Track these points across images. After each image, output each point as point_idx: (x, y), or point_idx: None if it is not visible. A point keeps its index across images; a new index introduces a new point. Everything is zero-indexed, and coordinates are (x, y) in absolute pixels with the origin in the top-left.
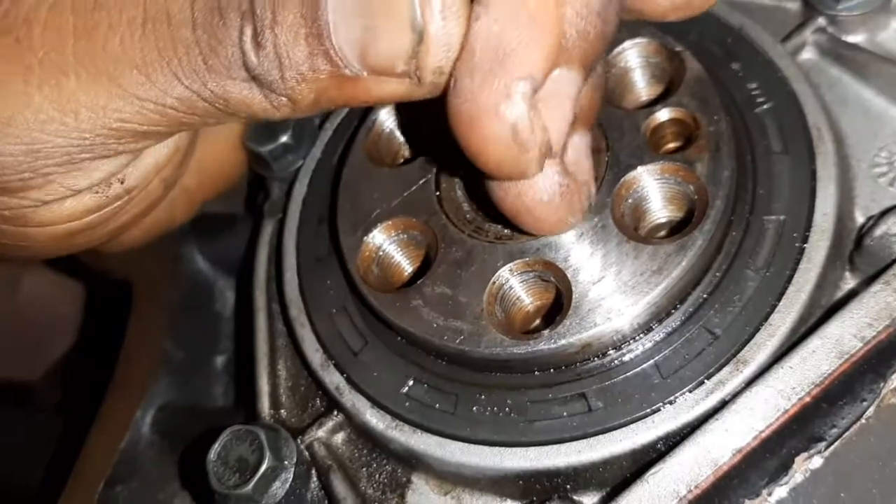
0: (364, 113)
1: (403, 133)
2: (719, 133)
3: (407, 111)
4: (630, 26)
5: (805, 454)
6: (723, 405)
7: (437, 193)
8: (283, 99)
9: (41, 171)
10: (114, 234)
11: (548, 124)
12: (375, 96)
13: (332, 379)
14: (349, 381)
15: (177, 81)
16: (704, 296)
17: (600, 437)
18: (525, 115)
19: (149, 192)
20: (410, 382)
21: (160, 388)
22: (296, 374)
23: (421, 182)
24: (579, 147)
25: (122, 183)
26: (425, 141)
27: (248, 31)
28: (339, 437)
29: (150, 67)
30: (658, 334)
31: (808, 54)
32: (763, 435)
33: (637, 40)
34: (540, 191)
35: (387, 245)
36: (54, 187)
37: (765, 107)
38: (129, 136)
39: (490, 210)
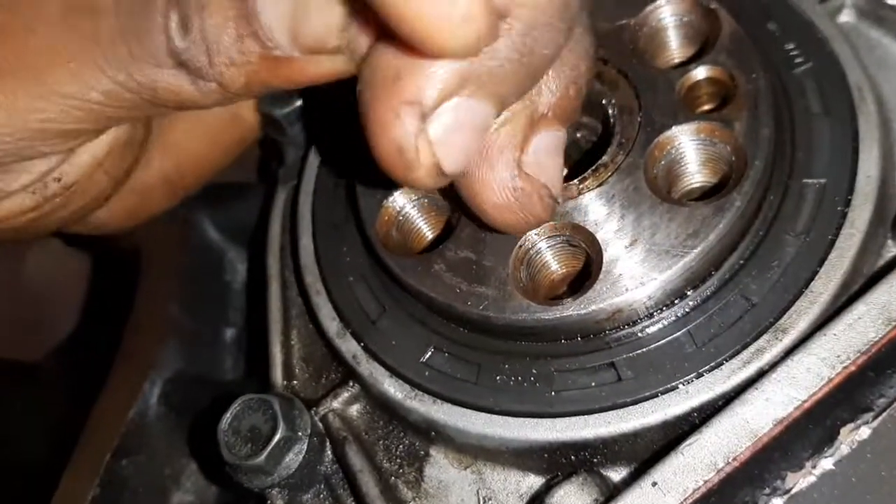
0: None
1: None
2: (758, 91)
3: None
4: None
5: (851, 425)
6: (761, 375)
7: None
8: (213, 85)
9: None
10: (66, 223)
11: (440, 151)
12: (311, 76)
13: (349, 347)
14: (366, 349)
15: (101, 74)
16: (741, 261)
17: (631, 408)
18: (408, 139)
19: (93, 183)
20: (431, 351)
21: (169, 357)
22: (310, 344)
23: None
24: (543, 148)
25: (58, 181)
26: None
27: (174, 16)
28: (355, 409)
29: (73, 62)
30: (692, 301)
31: (846, 17)
32: (806, 405)
33: None
34: (492, 193)
35: (408, 208)
36: None
37: (803, 68)
38: (55, 136)
39: None
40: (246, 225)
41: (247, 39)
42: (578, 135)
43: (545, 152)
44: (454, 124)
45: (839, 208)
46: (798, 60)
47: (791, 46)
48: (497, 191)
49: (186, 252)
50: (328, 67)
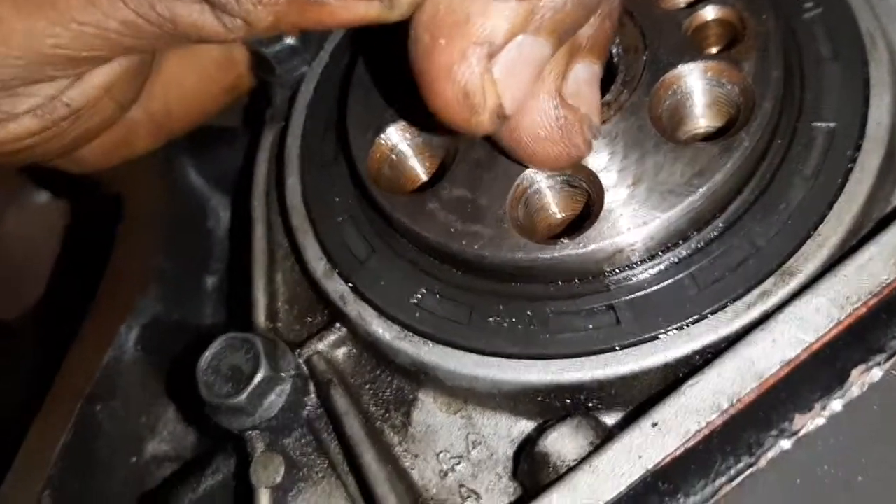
0: None
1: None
2: (768, 32)
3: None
4: None
5: (863, 366)
6: (767, 317)
7: None
8: (239, 21)
9: None
10: (66, 149)
11: (503, 90)
12: (342, 20)
13: (336, 288)
14: (355, 290)
15: (121, 3)
16: (747, 204)
17: (630, 350)
18: (476, 81)
19: (99, 110)
20: (422, 292)
21: (148, 302)
22: (295, 287)
23: None
24: (582, 78)
25: (67, 106)
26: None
27: None
28: (341, 352)
29: None
30: (695, 243)
31: None
32: (814, 347)
33: None
34: (535, 125)
35: (401, 146)
36: None
37: (813, 13)
38: (66, 62)
39: None
40: (230, 171)
41: None
42: None
43: (585, 82)
44: (517, 63)
45: (849, 153)
46: (808, 5)
47: None
48: (541, 122)
49: (168, 198)
50: (362, 13)
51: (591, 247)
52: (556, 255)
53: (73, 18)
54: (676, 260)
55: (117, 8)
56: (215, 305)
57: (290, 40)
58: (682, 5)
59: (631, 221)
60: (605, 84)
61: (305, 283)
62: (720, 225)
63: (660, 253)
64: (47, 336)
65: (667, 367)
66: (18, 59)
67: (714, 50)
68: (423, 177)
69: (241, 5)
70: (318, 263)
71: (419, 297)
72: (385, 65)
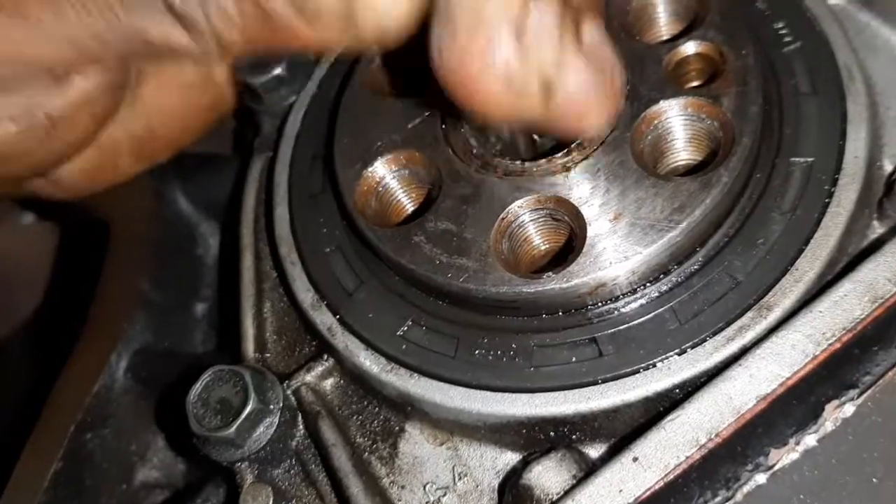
0: None
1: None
2: (747, 67)
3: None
4: None
5: (836, 402)
6: (745, 352)
7: (443, 127)
8: (209, 40)
9: None
10: (42, 165)
11: (541, 59)
12: (311, 42)
13: (324, 320)
14: (342, 322)
15: (87, 16)
16: (727, 238)
17: (612, 383)
18: (515, 62)
19: (76, 123)
20: (408, 324)
21: (137, 330)
22: (283, 317)
23: (426, 115)
24: (594, 33)
25: (45, 114)
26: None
27: None
28: (329, 383)
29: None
30: (676, 277)
31: None
32: (790, 382)
33: None
34: (572, 91)
35: (388, 179)
36: None
37: (792, 46)
38: (39, 70)
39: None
40: (219, 198)
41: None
42: None
43: (599, 37)
44: (542, 32)
45: (826, 187)
46: (787, 39)
47: (780, 25)
48: (577, 87)
49: (157, 225)
50: (330, 38)
51: (574, 281)
52: (539, 289)
53: (41, 29)
54: (657, 294)
55: (84, 20)
56: (206, 331)
57: (277, 70)
58: (664, 38)
59: (613, 256)
60: None
61: (294, 314)
62: (700, 259)
63: (641, 287)
64: (36, 354)
65: (648, 401)
66: None
67: (696, 83)
68: (410, 208)
69: (210, 23)
70: (306, 295)
71: (406, 328)
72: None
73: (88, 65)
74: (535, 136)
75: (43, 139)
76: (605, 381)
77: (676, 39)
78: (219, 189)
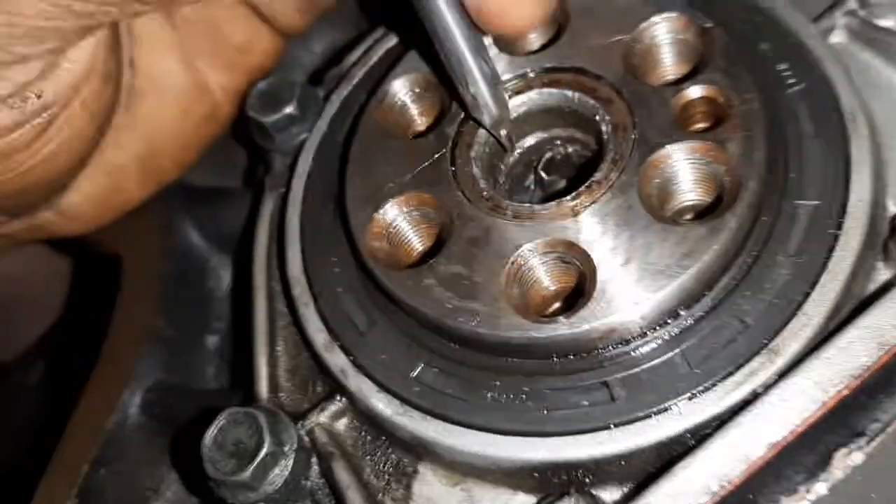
0: (374, 84)
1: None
2: (752, 112)
3: None
4: (657, 0)
5: (845, 450)
6: (755, 397)
7: (453, 169)
8: None
9: None
10: (46, 167)
11: None
12: None
13: (337, 361)
14: (355, 363)
15: None
16: (734, 282)
17: (624, 427)
18: None
19: (71, 118)
20: (420, 366)
21: (149, 366)
22: (296, 357)
23: (435, 157)
24: None
25: (38, 98)
26: None
27: None
28: (342, 423)
29: None
30: (685, 321)
31: (838, 37)
32: (799, 429)
33: (665, 15)
34: None
35: (398, 221)
36: None
37: (796, 88)
38: (29, 33)
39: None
40: (230, 231)
41: None
42: (571, 150)
43: None
44: None
45: (831, 231)
46: (791, 81)
47: (784, 67)
48: None
49: (168, 258)
50: None
51: (585, 326)
52: (550, 334)
53: None
54: (668, 337)
55: None
56: (218, 365)
57: (288, 109)
58: (671, 80)
59: (623, 301)
60: (596, 161)
61: (306, 353)
62: (709, 303)
63: (652, 330)
64: (48, 382)
65: (660, 446)
66: None
67: (702, 125)
68: (420, 248)
69: None
70: (318, 335)
71: (418, 371)
72: None
73: (76, 24)
74: (544, 176)
75: (42, 129)
76: (617, 425)
77: (682, 82)
78: (230, 222)
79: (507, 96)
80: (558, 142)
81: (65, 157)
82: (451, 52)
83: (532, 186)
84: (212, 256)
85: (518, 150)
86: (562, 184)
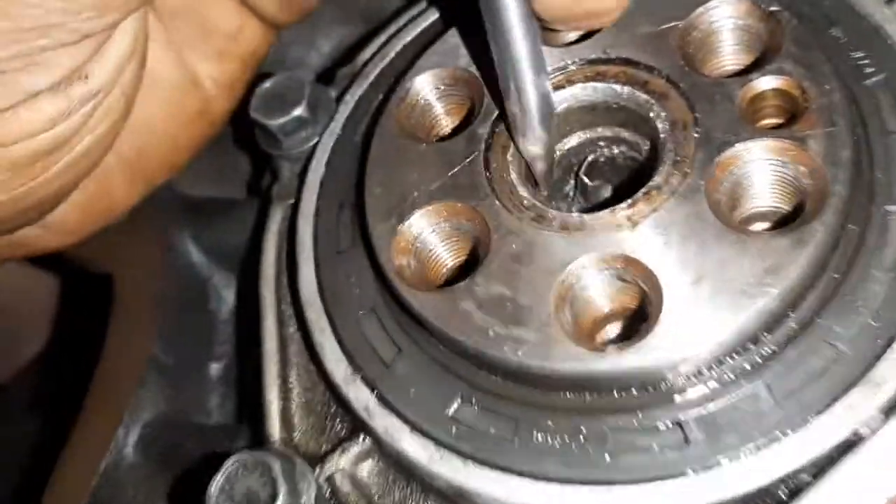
0: (394, 81)
1: None
2: (833, 105)
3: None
4: None
5: None
6: (858, 438)
7: (488, 174)
8: None
9: None
10: (75, 169)
11: None
12: None
13: (360, 396)
14: (381, 398)
15: None
16: (822, 302)
17: (703, 475)
18: None
19: (111, 106)
20: (458, 402)
21: (146, 399)
22: (311, 389)
23: (467, 161)
24: None
25: (85, 79)
26: None
27: None
28: (367, 468)
29: None
30: (768, 348)
31: None
32: None
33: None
34: None
35: (427, 234)
36: (9, 89)
37: (875, 79)
38: (95, 5)
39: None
40: (233, 246)
41: None
42: (617, 151)
43: None
44: None
45: None
46: (869, 70)
47: (860, 55)
48: None
49: (166, 277)
50: None
51: (652, 356)
52: (612, 367)
53: None
54: (749, 367)
55: None
56: (222, 394)
57: (297, 111)
58: (728, 70)
59: (697, 326)
60: (650, 164)
61: (323, 385)
62: (794, 325)
63: (730, 359)
64: (40, 403)
65: (747, 499)
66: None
67: (772, 122)
68: (450, 262)
69: None
70: (337, 366)
71: (455, 407)
72: None
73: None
74: (586, 181)
75: (79, 125)
76: (695, 472)
77: (747, 73)
78: (233, 236)
79: (557, 128)
80: (602, 143)
81: (94, 157)
82: (508, 53)
83: (572, 193)
84: (213, 274)
85: (557, 152)
86: (607, 190)
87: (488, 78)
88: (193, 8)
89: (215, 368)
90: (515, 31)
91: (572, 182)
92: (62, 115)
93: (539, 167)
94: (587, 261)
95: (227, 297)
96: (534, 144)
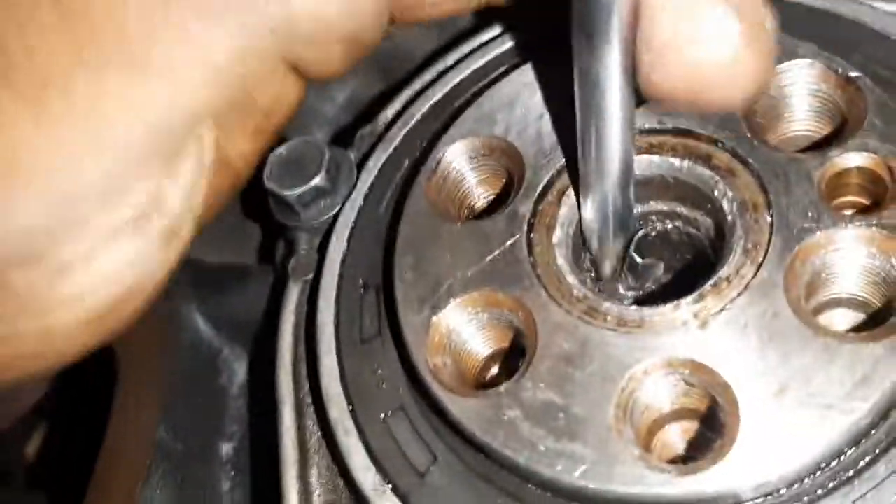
0: (424, 149)
1: None
2: None
3: None
4: (786, 43)
5: None
6: None
7: (531, 259)
8: None
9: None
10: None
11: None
12: None
13: None
14: None
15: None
16: None
17: None
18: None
19: (188, 217)
20: None
21: (153, 489)
22: (334, 491)
23: (508, 243)
24: None
25: (162, 209)
26: None
27: None
28: None
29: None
30: (853, 464)
31: None
32: None
33: (797, 62)
34: (718, 50)
35: (463, 327)
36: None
37: None
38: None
39: None
40: (244, 317)
41: None
42: (671, 225)
43: None
44: None
45: None
46: None
47: None
48: (726, 43)
49: (172, 356)
50: None
51: (730, 480)
52: (685, 492)
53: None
54: (831, 486)
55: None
56: (233, 480)
57: (316, 179)
58: (802, 144)
59: (780, 446)
60: (714, 246)
61: (346, 491)
62: (882, 438)
63: (812, 478)
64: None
65: None
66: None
67: (851, 201)
68: (486, 354)
69: None
70: (365, 475)
71: None
72: None
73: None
74: (637, 258)
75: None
76: None
77: (824, 147)
78: (243, 307)
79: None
80: (654, 217)
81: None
82: (599, 139)
83: (620, 271)
84: (223, 348)
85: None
86: (659, 269)
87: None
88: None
89: (226, 449)
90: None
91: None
92: (140, 257)
93: (607, 265)
94: (650, 365)
95: (238, 370)
96: (608, 242)
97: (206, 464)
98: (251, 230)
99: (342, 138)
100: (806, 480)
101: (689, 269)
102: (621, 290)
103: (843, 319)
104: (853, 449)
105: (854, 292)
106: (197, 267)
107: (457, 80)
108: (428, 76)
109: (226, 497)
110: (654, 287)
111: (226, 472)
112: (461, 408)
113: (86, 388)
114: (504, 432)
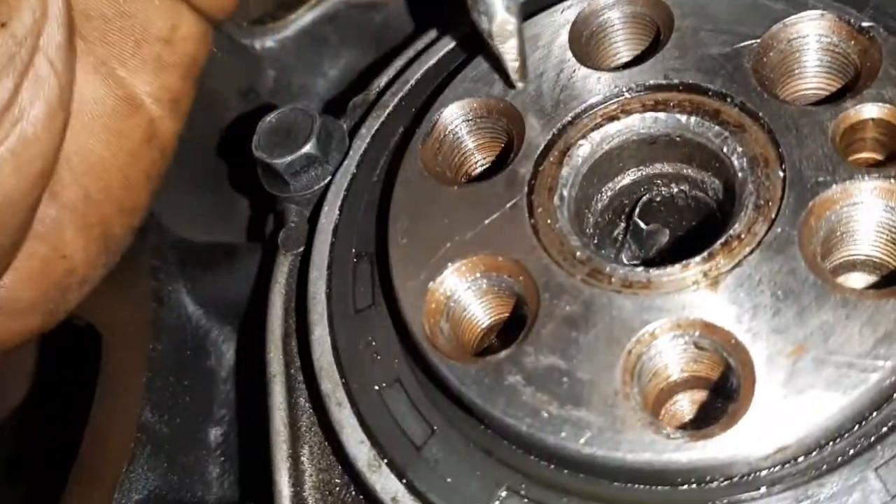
0: (417, 112)
1: None
2: None
3: None
4: None
5: None
6: None
7: (532, 221)
8: None
9: None
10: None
11: None
12: None
13: (387, 486)
14: (411, 488)
15: None
16: None
17: None
18: None
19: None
20: (503, 493)
21: (138, 474)
22: (327, 470)
23: (508, 206)
24: None
25: None
26: None
27: None
28: None
29: None
30: (876, 429)
31: None
32: None
33: (808, 13)
34: None
35: (461, 293)
36: None
37: None
38: None
39: None
40: (233, 297)
41: None
42: (676, 189)
43: None
44: None
45: None
46: None
47: None
48: None
49: (159, 337)
50: None
51: (745, 446)
52: (699, 457)
53: None
54: (853, 452)
55: None
56: (222, 467)
57: (306, 147)
58: (814, 98)
59: (798, 407)
60: (724, 208)
61: (340, 468)
62: None
63: (834, 444)
64: (22, 463)
65: None
66: None
67: (869, 157)
68: (486, 324)
69: None
70: (359, 449)
71: (500, 499)
72: None
73: None
74: (641, 224)
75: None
76: None
77: (837, 99)
78: (232, 286)
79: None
80: (659, 181)
81: (21, 208)
82: None
83: (621, 238)
84: (212, 329)
85: (608, 192)
86: (664, 235)
87: None
88: (120, 10)
89: (214, 433)
90: None
91: (623, 225)
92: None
93: (509, 52)
94: (659, 327)
95: (226, 352)
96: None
97: (194, 449)
98: (240, 208)
99: (334, 112)
100: (825, 446)
101: (696, 235)
102: (624, 260)
103: (858, 283)
104: (875, 413)
105: (870, 252)
106: (183, 245)
107: (451, 46)
108: (421, 44)
109: (214, 483)
110: (658, 256)
111: (214, 459)
112: (459, 375)
113: (69, 370)
114: (505, 399)
